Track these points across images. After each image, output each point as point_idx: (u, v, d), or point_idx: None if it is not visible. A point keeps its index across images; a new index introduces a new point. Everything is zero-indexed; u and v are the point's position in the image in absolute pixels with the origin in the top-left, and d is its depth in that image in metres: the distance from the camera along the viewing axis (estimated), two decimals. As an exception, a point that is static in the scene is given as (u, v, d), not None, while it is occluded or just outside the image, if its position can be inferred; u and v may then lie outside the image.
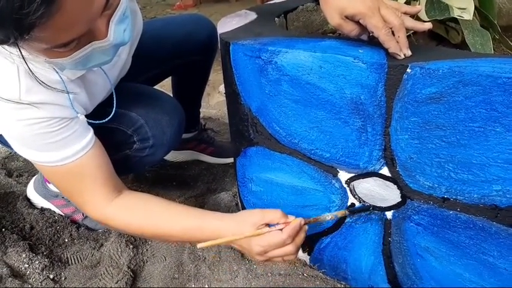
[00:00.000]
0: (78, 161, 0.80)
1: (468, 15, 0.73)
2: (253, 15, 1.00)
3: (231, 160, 1.42)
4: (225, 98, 1.51)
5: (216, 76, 2.40)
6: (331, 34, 1.05)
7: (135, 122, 0.95)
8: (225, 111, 1.86)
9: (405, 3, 0.81)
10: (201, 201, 1.23)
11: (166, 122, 0.98)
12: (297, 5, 1.09)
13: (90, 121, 0.83)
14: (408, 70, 0.61)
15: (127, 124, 0.95)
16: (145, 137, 0.96)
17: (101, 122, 0.84)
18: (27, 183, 1.24)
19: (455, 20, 0.81)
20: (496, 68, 0.56)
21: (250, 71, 0.79)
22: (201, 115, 1.52)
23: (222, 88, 2.15)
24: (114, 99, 0.88)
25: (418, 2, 0.83)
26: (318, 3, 0.72)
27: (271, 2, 1.20)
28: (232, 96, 0.88)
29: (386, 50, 0.65)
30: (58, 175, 0.83)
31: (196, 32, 1.20)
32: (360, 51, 0.67)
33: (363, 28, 0.67)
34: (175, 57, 1.21)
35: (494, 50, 0.77)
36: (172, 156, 1.47)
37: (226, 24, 0.93)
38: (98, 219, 0.86)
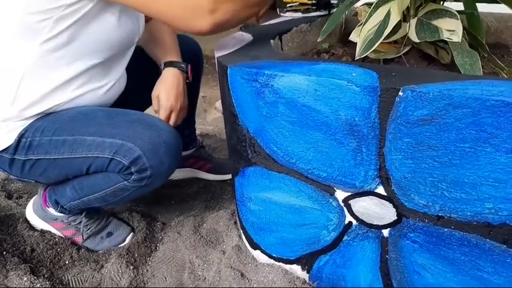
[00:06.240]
0: None
1: (457, 37, 0.76)
2: (249, 37, 1.02)
3: (229, 176, 1.43)
4: (221, 114, 1.51)
5: (212, 92, 2.42)
6: (324, 54, 1.08)
7: (132, 152, 0.93)
8: (221, 127, 1.88)
9: (398, 23, 0.83)
10: (200, 219, 1.24)
11: (164, 151, 0.95)
12: (291, 26, 1.12)
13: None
14: (400, 93, 0.63)
15: (124, 155, 0.93)
16: (143, 168, 0.94)
17: None
18: (27, 204, 1.24)
19: (445, 41, 0.84)
20: (484, 90, 0.58)
21: (248, 93, 0.81)
22: (198, 132, 1.54)
23: (218, 104, 2.17)
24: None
25: (408, 24, 0.86)
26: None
27: (266, 23, 1.22)
28: (231, 117, 0.89)
29: (379, 73, 0.67)
30: None
31: (182, 53, 1.20)
32: (353, 74, 0.69)
33: None
34: None
35: (483, 67, 0.80)
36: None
37: (223, 47, 0.95)
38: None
